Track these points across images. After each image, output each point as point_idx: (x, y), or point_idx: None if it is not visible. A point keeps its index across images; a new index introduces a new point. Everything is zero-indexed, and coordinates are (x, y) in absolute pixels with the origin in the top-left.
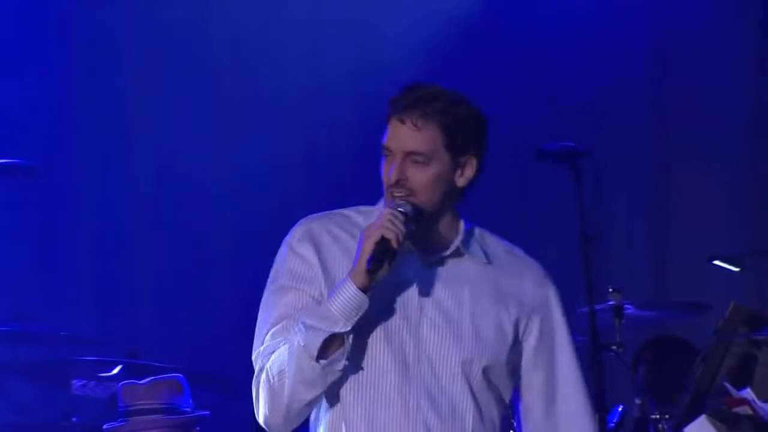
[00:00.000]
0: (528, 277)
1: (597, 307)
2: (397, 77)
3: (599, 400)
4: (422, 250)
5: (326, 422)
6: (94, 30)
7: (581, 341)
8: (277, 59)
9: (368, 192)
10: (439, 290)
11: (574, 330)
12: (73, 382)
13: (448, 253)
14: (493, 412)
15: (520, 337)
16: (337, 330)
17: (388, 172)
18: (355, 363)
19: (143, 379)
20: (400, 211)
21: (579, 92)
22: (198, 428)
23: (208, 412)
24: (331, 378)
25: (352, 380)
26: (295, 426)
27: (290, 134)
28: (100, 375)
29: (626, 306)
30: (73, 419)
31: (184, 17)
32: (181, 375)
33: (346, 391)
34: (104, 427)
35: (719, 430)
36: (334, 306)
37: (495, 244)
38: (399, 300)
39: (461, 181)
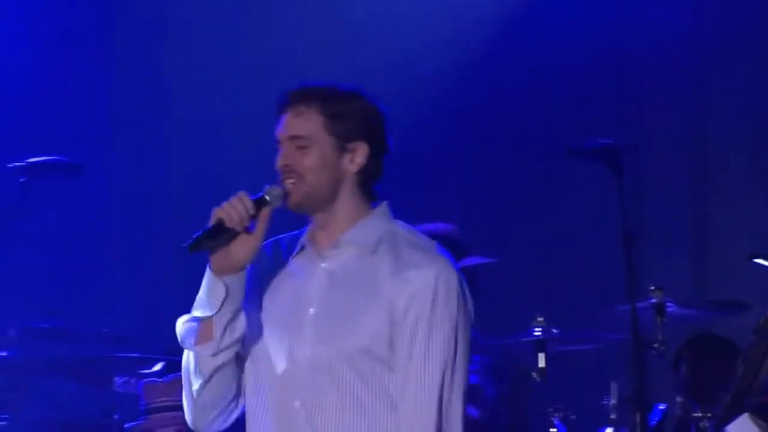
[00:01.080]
0: (416, 268)
1: (638, 305)
2: (430, 75)
3: (641, 398)
4: (318, 243)
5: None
6: (137, 27)
7: (622, 339)
8: (308, 56)
9: (396, 185)
10: (325, 284)
11: (615, 327)
12: (115, 379)
13: (329, 247)
14: (378, 410)
15: (396, 328)
16: (197, 315)
17: (277, 163)
18: (250, 363)
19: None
20: (259, 196)
21: (619, 89)
22: None
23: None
24: (210, 364)
25: (249, 381)
26: (214, 424)
27: None
28: (141, 372)
29: (668, 304)
30: (115, 416)
31: (221, 14)
32: None
33: (247, 392)
34: (125, 426)
35: (761, 428)
36: (199, 294)
37: (401, 238)
38: (292, 297)
39: (352, 167)
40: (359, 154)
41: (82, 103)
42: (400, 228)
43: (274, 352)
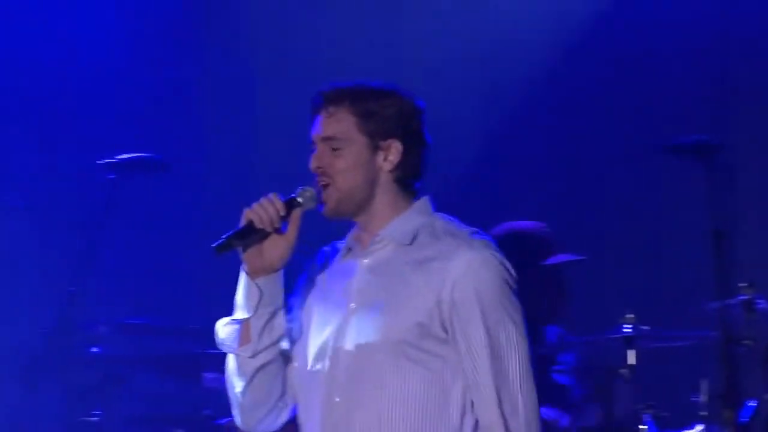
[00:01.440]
0: (452, 253)
1: (728, 301)
2: (519, 73)
3: (731, 395)
4: (361, 243)
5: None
6: (226, 26)
7: (712, 336)
8: (399, 55)
9: (486, 183)
10: (365, 279)
11: (705, 324)
12: (205, 375)
13: (370, 243)
14: (429, 398)
15: (434, 315)
16: (236, 317)
17: (311, 163)
18: (296, 364)
19: None
20: (290, 197)
21: (711, 85)
22: None
23: None
24: (252, 365)
25: (296, 381)
26: (261, 423)
27: None
28: None
29: (758, 300)
30: (204, 412)
31: (311, 13)
32: None
33: (296, 392)
34: (217, 422)
35: None
36: (236, 297)
37: (443, 229)
38: (337, 296)
39: (387, 165)
40: (393, 152)
41: (171, 100)
42: (440, 220)
43: (319, 350)
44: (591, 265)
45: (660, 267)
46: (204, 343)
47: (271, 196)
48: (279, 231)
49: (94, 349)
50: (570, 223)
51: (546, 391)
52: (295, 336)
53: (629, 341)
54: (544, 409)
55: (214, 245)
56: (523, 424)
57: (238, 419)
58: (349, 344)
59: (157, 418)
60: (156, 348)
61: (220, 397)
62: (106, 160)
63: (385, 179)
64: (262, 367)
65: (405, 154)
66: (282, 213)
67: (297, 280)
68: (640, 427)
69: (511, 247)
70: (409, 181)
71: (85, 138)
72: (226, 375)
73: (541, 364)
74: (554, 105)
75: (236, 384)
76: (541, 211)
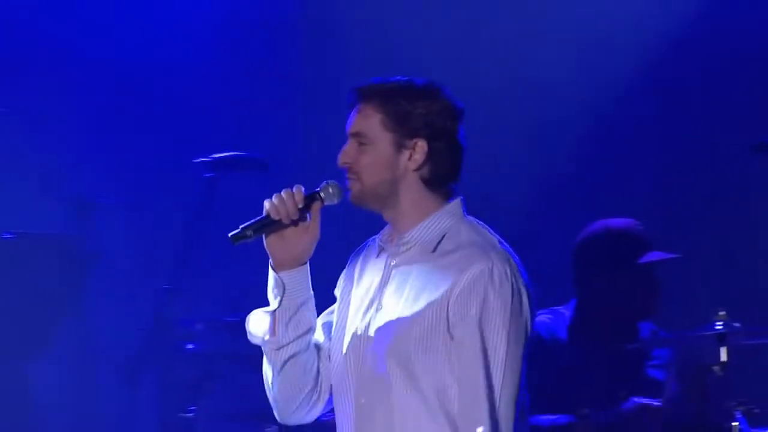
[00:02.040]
0: (468, 261)
1: None
2: (616, 76)
3: None
4: (391, 242)
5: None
6: (326, 24)
7: None
8: (501, 58)
9: (585, 182)
10: (390, 282)
11: None
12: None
13: (396, 245)
14: (437, 399)
15: (442, 322)
16: (264, 310)
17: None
18: (331, 364)
19: None
20: (314, 192)
21: None
22: None
23: None
24: (278, 357)
25: (332, 377)
26: (294, 414)
27: (513, 134)
28: None
29: None
30: None
31: (399, 14)
32: None
33: (333, 388)
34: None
35: None
36: (268, 290)
37: (467, 235)
38: (365, 298)
39: (411, 165)
40: (418, 152)
41: (269, 98)
42: (466, 225)
43: (350, 348)
44: (684, 263)
45: (752, 264)
46: None
47: (295, 188)
48: (297, 223)
49: (190, 346)
50: (663, 221)
51: (641, 385)
52: (333, 330)
53: (721, 338)
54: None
55: (230, 235)
56: None
57: (274, 411)
58: (371, 346)
59: (250, 414)
60: (251, 345)
61: None
62: (203, 159)
63: (411, 178)
64: (290, 359)
65: (431, 154)
66: (300, 206)
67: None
68: (732, 423)
69: (605, 244)
70: (439, 182)
71: (183, 136)
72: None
73: (636, 359)
74: (651, 106)
75: (267, 375)
76: (634, 208)
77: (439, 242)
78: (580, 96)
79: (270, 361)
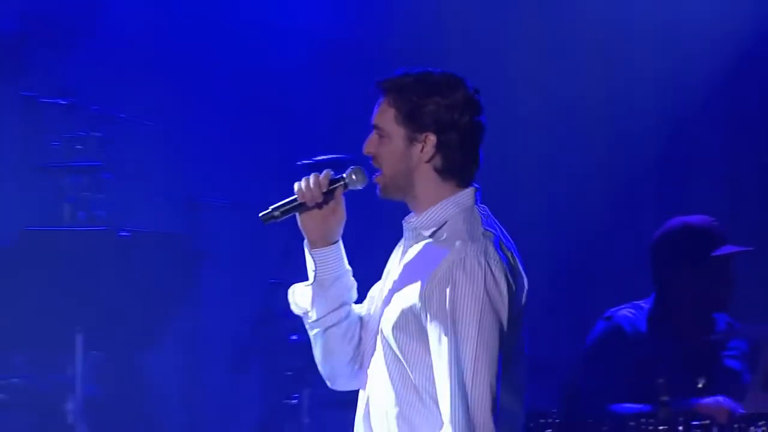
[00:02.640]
0: (442, 249)
1: None
2: (700, 76)
3: None
4: (408, 230)
5: None
6: (417, 27)
7: None
8: (580, 64)
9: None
10: (400, 264)
11: None
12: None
13: (407, 234)
14: (409, 392)
15: (422, 309)
16: (304, 284)
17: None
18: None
19: None
20: (338, 176)
21: None
22: None
23: None
24: (314, 327)
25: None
26: (339, 380)
27: (596, 138)
28: None
29: None
30: None
31: (497, 14)
32: None
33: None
34: None
35: None
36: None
37: (459, 225)
38: (386, 275)
39: (423, 157)
40: (428, 145)
41: (363, 102)
42: (468, 214)
43: (369, 328)
44: (758, 256)
45: None
46: None
47: (323, 173)
48: (321, 206)
49: (294, 337)
50: (735, 217)
51: (719, 376)
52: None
53: None
54: (721, 397)
55: (260, 215)
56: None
57: (324, 378)
58: (376, 323)
59: (348, 401)
60: None
61: None
62: (306, 161)
63: (424, 169)
64: (326, 330)
65: (441, 146)
66: (324, 189)
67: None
68: None
69: (683, 240)
70: (452, 172)
71: (287, 141)
72: None
73: (712, 350)
74: (730, 105)
75: (313, 345)
76: (708, 206)
77: (437, 230)
78: (657, 102)
79: (310, 332)
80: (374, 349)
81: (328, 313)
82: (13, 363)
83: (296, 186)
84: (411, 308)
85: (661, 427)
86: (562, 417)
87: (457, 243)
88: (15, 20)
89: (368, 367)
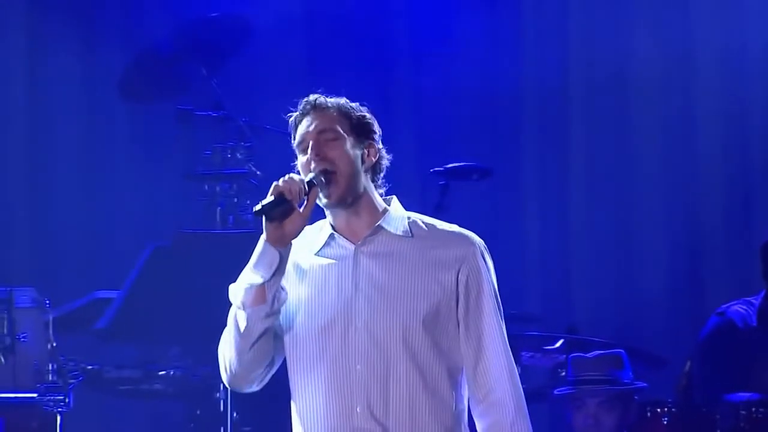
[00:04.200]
0: (452, 245)
1: None
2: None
3: None
4: (351, 234)
5: (294, 391)
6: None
7: None
8: (695, 66)
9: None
10: (370, 265)
11: None
12: (521, 354)
13: (369, 232)
14: (435, 370)
15: (450, 295)
16: (250, 281)
17: (309, 160)
18: (306, 337)
19: (586, 352)
20: (310, 180)
21: None
22: (636, 397)
23: (646, 384)
24: (261, 325)
25: (300, 356)
26: (251, 382)
27: (705, 142)
28: (545, 348)
29: None
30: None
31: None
32: (623, 351)
33: (298, 368)
34: (555, 391)
35: None
36: (251, 260)
37: (425, 222)
38: (336, 279)
39: (369, 162)
40: (372, 152)
41: (494, 111)
42: (417, 215)
43: (330, 328)
44: None
45: None
46: (521, 327)
47: (292, 175)
48: (298, 206)
49: None
50: None
51: None
52: (289, 311)
53: None
54: None
55: (254, 209)
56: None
57: (227, 376)
58: (362, 322)
59: None
60: None
61: (534, 372)
62: (438, 168)
63: (366, 175)
64: (266, 330)
65: (379, 156)
66: (305, 191)
67: None
68: None
69: None
70: (378, 181)
71: (421, 149)
72: (227, 337)
73: None
74: None
75: (242, 343)
76: None
77: (410, 228)
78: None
79: (249, 330)
80: (371, 350)
81: (275, 312)
82: (169, 355)
83: (281, 186)
84: (444, 302)
85: None
86: (678, 406)
87: (463, 238)
88: (172, 43)
89: (346, 364)
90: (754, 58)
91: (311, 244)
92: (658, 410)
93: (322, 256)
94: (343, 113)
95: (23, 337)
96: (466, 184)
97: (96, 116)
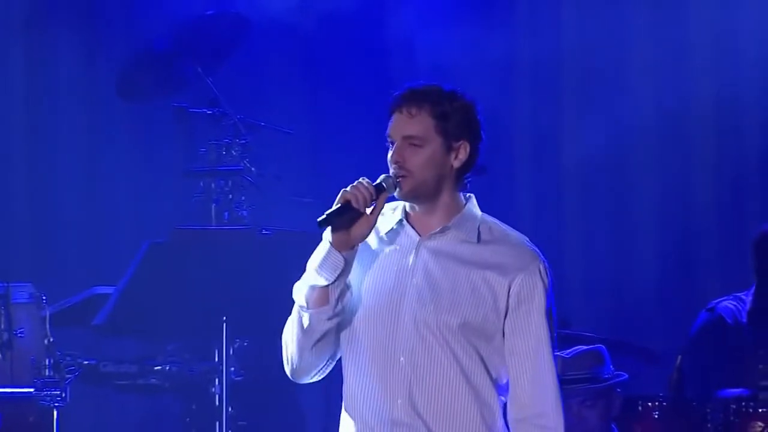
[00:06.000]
0: (513, 255)
1: None
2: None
3: None
4: (421, 229)
5: (344, 372)
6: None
7: None
8: (687, 63)
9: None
10: (428, 260)
11: None
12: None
13: (437, 230)
14: (476, 370)
15: (499, 302)
16: (316, 283)
17: (390, 156)
18: (355, 325)
19: (571, 348)
20: (377, 184)
21: None
22: (618, 390)
23: (626, 376)
24: (324, 327)
25: (354, 341)
26: (311, 374)
27: (698, 136)
28: None
29: None
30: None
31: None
32: (602, 346)
33: (351, 352)
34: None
35: None
36: (314, 262)
37: (498, 232)
38: (396, 271)
39: (456, 163)
40: (462, 152)
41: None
42: (489, 219)
43: (380, 314)
44: None
45: None
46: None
47: (363, 180)
48: (365, 211)
49: None
50: None
51: None
52: (354, 298)
53: None
54: None
55: (318, 220)
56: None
57: (290, 369)
58: (411, 315)
59: None
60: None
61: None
62: None
63: (451, 175)
64: (330, 330)
65: (471, 153)
66: (373, 196)
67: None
68: None
69: None
70: (464, 178)
71: None
72: (290, 331)
73: None
74: None
75: (304, 342)
76: None
77: (479, 233)
78: (764, 98)
79: (313, 329)
80: (415, 344)
81: (340, 313)
82: (166, 350)
83: (348, 194)
84: (493, 309)
85: (761, 410)
86: (669, 400)
87: (525, 251)
88: (169, 41)
89: (390, 356)
90: (748, 54)
91: (382, 222)
92: (650, 404)
93: (387, 240)
94: (438, 114)
95: (20, 333)
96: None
97: (93, 113)
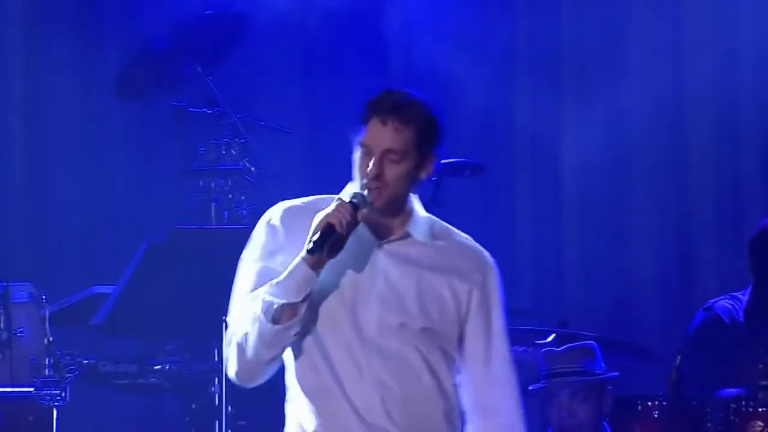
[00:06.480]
0: (469, 258)
1: None
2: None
3: None
4: (378, 233)
5: (299, 375)
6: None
7: None
8: (687, 58)
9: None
10: (388, 266)
11: None
12: (514, 348)
13: (396, 236)
14: (442, 372)
15: (461, 306)
16: (289, 301)
17: (366, 167)
18: (316, 328)
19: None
20: (352, 202)
21: None
22: (610, 387)
23: (617, 374)
24: (289, 340)
25: (316, 343)
26: (261, 380)
27: (697, 134)
28: (537, 342)
29: None
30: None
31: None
32: (594, 342)
33: (313, 353)
34: (529, 387)
35: None
36: (288, 281)
37: (446, 232)
38: (355, 275)
39: (423, 175)
40: (430, 164)
41: (483, 111)
42: (435, 219)
43: (343, 320)
44: None
45: None
46: (512, 320)
47: (342, 202)
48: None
49: None
50: None
51: None
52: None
53: None
54: None
55: (308, 248)
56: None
57: (239, 375)
58: (375, 320)
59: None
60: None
61: (527, 367)
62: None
63: (416, 184)
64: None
65: (435, 163)
66: (350, 218)
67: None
68: None
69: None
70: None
71: None
72: (243, 342)
73: None
74: None
75: (264, 353)
76: None
77: (433, 237)
78: (766, 96)
79: (278, 342)
80: (381, 347)
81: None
82: (165, 350)
83: (331, 218)
84: (450, 305)
85: (761, 409)
86: (668, 400)
87: (467, 246)
88: (168, 40)
89: (355, 358)
90: (748, 51)
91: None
92: (649, 404)
93: (347, 245)
94: (420, 130)
95: (20, 332)
96: (459, 180)
97: (92, 113)
